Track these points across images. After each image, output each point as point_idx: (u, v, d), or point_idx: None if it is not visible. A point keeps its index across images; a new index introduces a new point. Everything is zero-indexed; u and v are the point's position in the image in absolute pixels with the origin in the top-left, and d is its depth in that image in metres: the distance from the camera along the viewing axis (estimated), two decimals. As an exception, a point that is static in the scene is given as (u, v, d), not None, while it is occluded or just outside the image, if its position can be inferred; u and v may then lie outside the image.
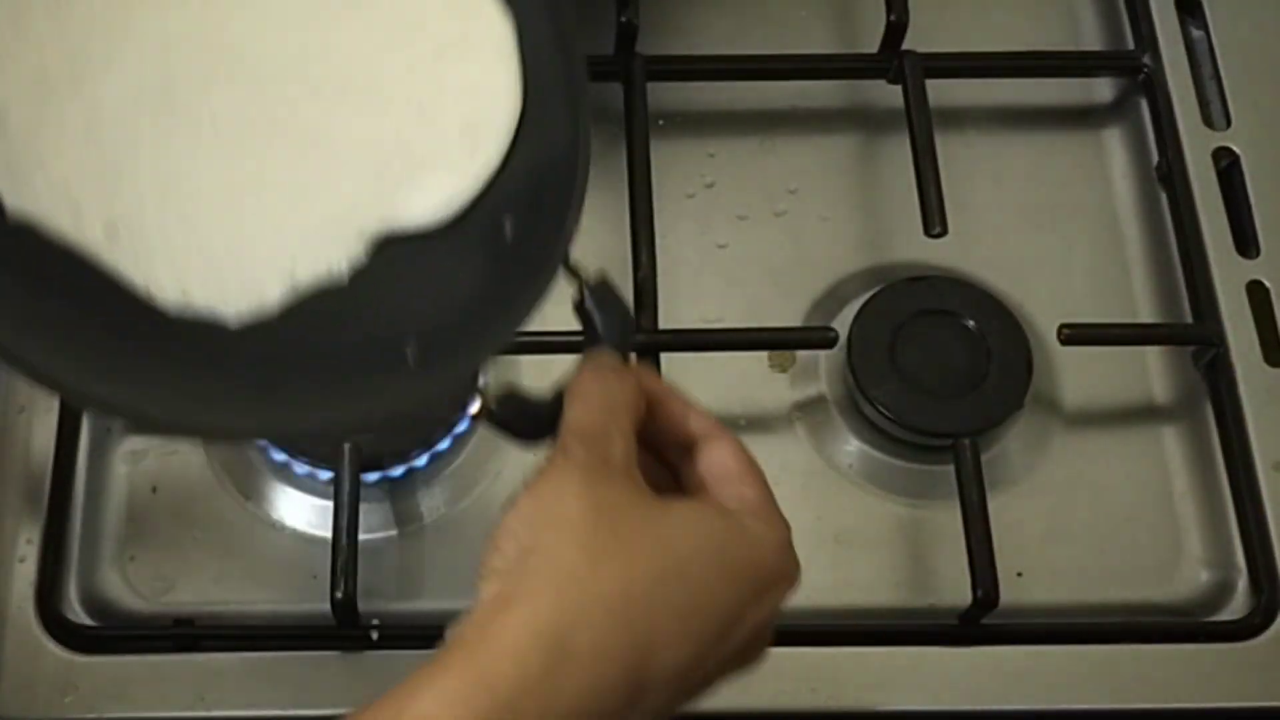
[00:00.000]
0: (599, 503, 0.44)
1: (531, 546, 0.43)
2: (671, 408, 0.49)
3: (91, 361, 0.43)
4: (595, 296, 0.49)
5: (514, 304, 0.47)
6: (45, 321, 0.43)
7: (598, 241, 0.69)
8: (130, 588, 0.62)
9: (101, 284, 0.44)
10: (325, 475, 0.62)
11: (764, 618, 0.46)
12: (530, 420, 0.48)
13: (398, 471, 0.63)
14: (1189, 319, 0.68)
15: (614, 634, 0.42)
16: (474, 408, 0.46)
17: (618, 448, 0.46)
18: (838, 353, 0.66)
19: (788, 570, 0.48)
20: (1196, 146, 0.71)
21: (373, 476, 0.62)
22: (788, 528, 0.48)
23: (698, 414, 0.49)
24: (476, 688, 0.40)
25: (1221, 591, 0.64)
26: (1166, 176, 0.70)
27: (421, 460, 0.63)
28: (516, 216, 0.48)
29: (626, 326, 0.50)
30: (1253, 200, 0.70)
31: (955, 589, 0.61)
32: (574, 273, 0.48)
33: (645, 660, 0.43)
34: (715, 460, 0.49)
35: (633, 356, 0.52)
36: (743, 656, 0.47)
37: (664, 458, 0.50)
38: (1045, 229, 0.71)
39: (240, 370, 0.45)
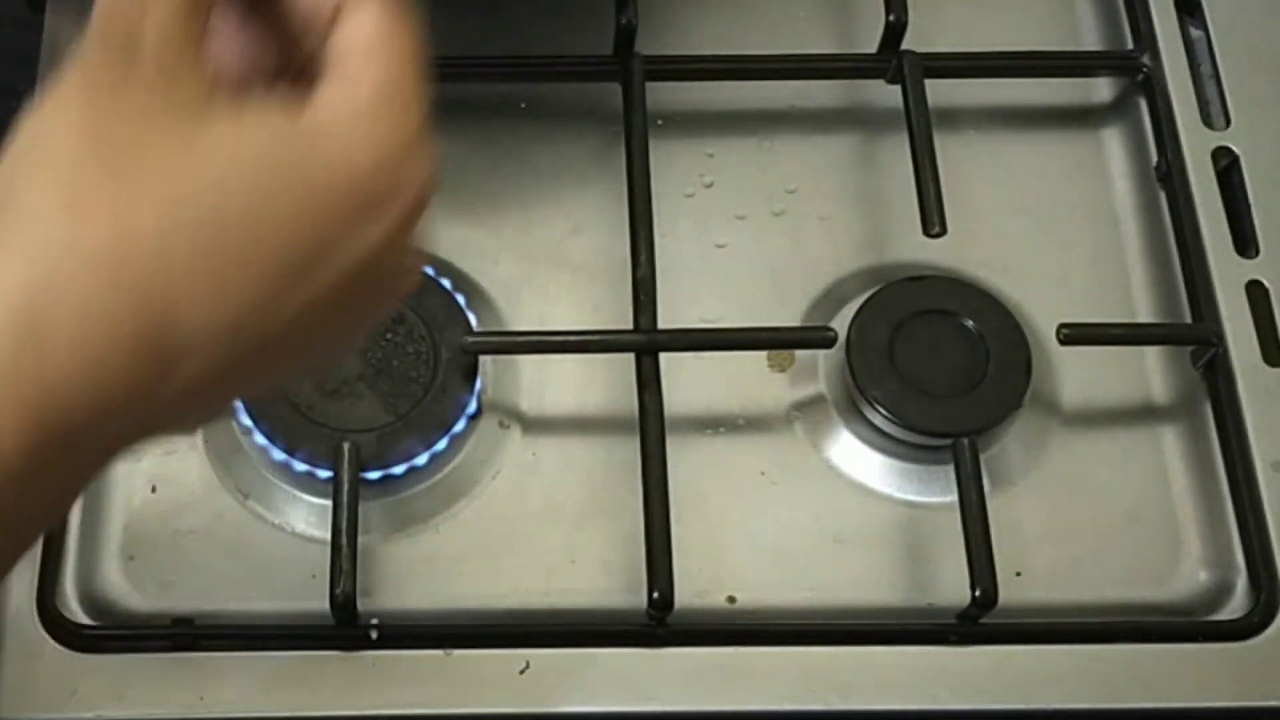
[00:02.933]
0: (101, 129, 0.35)
1: (9, 196, 0.35)
2: None
3: None
4: None
5: None
6: None
7: (596, 241, 0.69)
8: (130, 587, 0.62)
9: None
10: (325, 474, 0.62)
11: (369, 249, 0.38)
12: None
13: (398, 470, 0.63)
14: (1188, 319, 0.68)
15: (110, 298, 0.34)
16: None
17: (150, 37, 0.36)
18: (837, 352, 0.66)
19: (400, 181, 0.38)
20: (1196, 146, 0.71)
21: (373, 475, 0.62)
22: (415, 124, 0.38)
23: None
24: None
25: (1221, 591, 0.64)
26: (1166, 176, 0.70)
27: (422, 459, 0.63)
28: None
29: None
30: (1252, 200, 0.70)
31: (954, 589, 0.61)
32: None
33: (163, 325, 0.35)
34: (345, 35, 0.38)
35: None
36: (356, 297, 0.39)
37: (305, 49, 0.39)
38: (1045, 229, 0.71)
39: None
